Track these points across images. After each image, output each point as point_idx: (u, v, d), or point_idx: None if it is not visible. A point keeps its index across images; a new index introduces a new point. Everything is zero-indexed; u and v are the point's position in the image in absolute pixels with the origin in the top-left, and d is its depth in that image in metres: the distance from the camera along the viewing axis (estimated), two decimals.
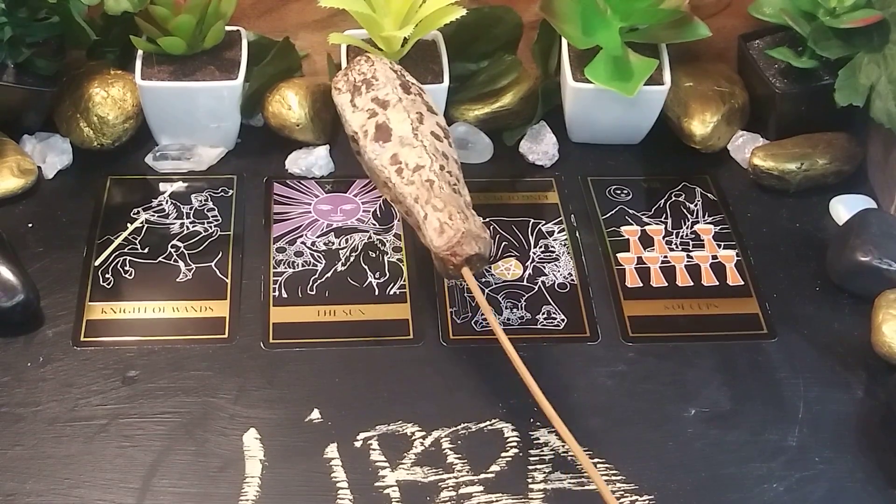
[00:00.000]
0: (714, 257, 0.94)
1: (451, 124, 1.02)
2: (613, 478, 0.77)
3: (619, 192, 1.00)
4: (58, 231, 0.93)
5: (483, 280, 0.91)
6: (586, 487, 0.76)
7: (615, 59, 0.97)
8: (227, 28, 1.00)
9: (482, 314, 0.88)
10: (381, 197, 0.97)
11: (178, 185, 0.99)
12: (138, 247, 0.92)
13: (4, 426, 0.78)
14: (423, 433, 0.79)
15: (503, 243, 0.94)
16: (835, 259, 0.91)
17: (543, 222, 0.97)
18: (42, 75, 0.96)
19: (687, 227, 0.97)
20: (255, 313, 0.87)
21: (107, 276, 0.90)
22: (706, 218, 0.98)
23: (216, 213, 0.96)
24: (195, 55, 0.99)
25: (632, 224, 0.97)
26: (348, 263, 0.92)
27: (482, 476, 0.77)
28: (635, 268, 0.93)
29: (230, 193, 0.98)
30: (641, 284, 0.91)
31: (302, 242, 0.94)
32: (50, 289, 0.88)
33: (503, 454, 0.78)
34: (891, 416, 0.81)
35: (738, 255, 0.94)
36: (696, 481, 0.77)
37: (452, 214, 0.77)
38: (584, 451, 0.78)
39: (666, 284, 0.92)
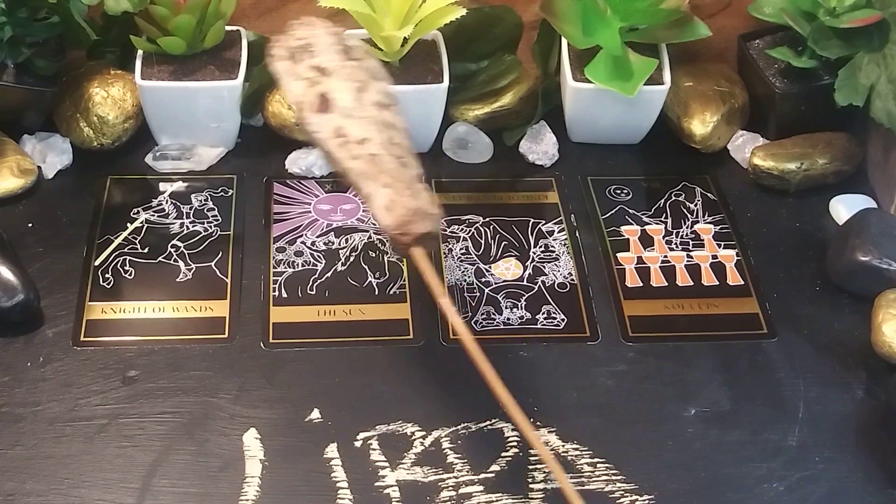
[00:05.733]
0: (714, 257, 0.94)
1: (451, 124, 1.02)
2: (613, 477, 0.77)
3: (619, 191, 1.00)
4: (58, 231, 0.93)
5: (483, 280, 0.91)
6: (586, 487, 0.76)
7: (615, 59, 0.97)
8: (227, 28, 1.00)
9: (482, 314, 0.88)
10: None
11: (178, 185, 0.99)
12: (138, 247, 0.92)
13: (4, 426, 0.78)
14: (423, 433, 0.79)
15: (503, 243, 0.94)
16: (835, 259, 0.91)
17: (543, 222, 0.97)
18: (42, 75, 0.96)
19: (687, 227, 0.97)
20: (255, 313, 0.87)
21: (107, 275, 0.90)
22: (706, 218, 0.98)
23: (216, 212, 0.96)
24: (195, 55, 0.99)
25: (632, 224, 0.97)
26: (348, 263, 0.92)
27: (482, 476, 0.77)
28: (635, 267, 0.93)
29: (230, 193, 0.98)
30: (641, 284, 0.91)
31: (302, 242, 0.93)
32: (50, 289, 0.88)
33: (503, 454, 0.78)
34: (891, 416, 0.81)
35: (738, 254, 0.94)
36: (696, 481, 0.77)
37: (400, 191, 0.73)
38: (585, 450, 0.78)
39: (666, 284, 0.92)
